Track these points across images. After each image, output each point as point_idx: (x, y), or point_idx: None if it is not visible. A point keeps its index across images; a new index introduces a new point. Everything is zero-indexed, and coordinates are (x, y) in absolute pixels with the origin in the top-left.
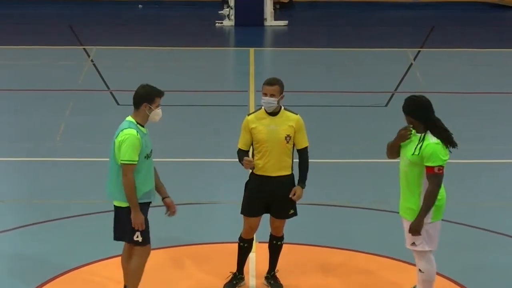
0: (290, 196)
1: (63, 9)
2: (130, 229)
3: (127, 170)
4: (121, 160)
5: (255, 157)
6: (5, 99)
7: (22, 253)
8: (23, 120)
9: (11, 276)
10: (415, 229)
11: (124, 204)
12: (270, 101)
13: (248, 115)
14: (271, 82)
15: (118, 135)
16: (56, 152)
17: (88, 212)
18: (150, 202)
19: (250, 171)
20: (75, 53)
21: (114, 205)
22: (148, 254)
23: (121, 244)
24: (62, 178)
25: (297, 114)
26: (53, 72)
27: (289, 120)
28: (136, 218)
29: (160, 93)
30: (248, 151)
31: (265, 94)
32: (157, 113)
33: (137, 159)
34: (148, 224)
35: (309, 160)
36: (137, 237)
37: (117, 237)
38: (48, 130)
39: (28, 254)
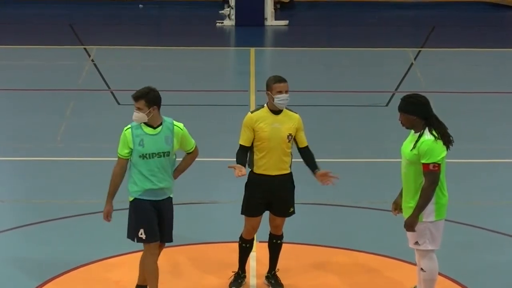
0: (322, 176)
1: (63, 9)
2: (132, 226)
3: (117, 162)
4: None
5: (256, 156)
6: (5, 99)
7: (22, 253)
8: (23, 120)
9: (11, 276)
10: (409, 224)
11: (129, 198)
12: (287, 98)
13: (251, 112)
14: (284, 79)
15: None
16: (56, 152)
17: (88, 212)
18: (157, 201)
19: (250, 170)
20: (75, 52)
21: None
22: (154, 252)
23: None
24: (62, 178)
25: (297, 113)
26: (53, 72)
27: (291, 119)
28: (106, 208)
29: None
30: (249, 147)
31: (280, 92)
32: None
33: (124, 154)
34: (152, 221)
35: None
36: (141, 234)
37: (127, 235)
38: (48, 130)
39: (28, 254)
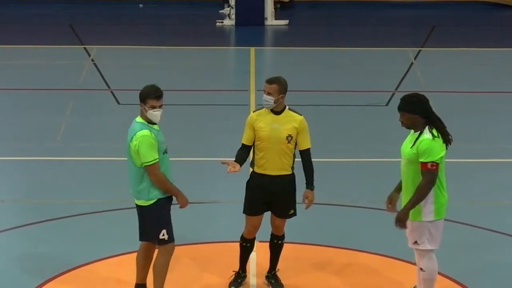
0: (302, 201)
1: (63, 8)
2: (154, 228)
3: (153, 169)
4: (144, 163)
5: (256, 155)
6: (5, 98)
7: (22, 253)
8: (23, 119)
9: (11, 275)
10: (399, 219)
11: (145, 203)
12: (267, 99)
13: (254, 111)
14: (270, 80)
15: (132, 138)
16: (56, 151)
17: (88, 212)
18: (172, 197)
19: (251, 170)
20: (75, 52)
21: (136, 205)
22: (173, 250)
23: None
24: (62, 178)
25: (301, 115)
26: (53, 72)
27: (292, 120)
28: (182, 200)
29: (150, 94)
30: (252, 146)
31: (264, 91)
32: (152, 115)
33: (157, 156)
34: (171, 220)
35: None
36: (163, 235)
37: (142, 238)
38: (48, 129)
39: (28, 253)
